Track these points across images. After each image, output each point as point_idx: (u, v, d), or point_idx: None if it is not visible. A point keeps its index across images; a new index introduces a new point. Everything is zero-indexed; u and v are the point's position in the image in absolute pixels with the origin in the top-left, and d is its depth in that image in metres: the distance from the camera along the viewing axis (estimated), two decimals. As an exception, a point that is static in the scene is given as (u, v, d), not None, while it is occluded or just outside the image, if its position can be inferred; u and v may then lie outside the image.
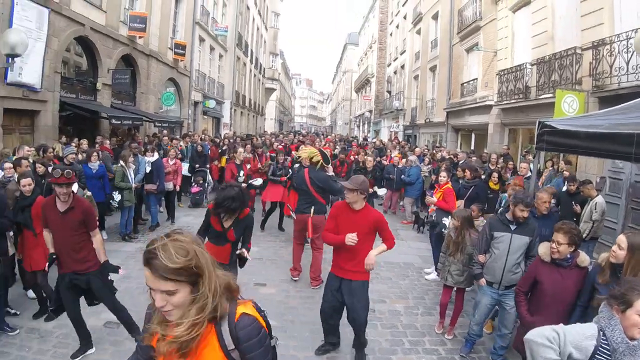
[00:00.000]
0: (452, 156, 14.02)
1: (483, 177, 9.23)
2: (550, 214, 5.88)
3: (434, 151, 15.95)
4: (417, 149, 15.76)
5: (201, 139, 15.12)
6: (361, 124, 52.81)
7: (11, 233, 5.22)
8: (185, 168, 11.90)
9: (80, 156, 8.92)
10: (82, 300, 4.59)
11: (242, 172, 10.16)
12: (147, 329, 1.69)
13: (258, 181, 10.40)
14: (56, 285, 4.56)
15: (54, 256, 4.38)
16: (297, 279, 7.18)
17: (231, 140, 16.25)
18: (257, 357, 1.68)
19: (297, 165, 9.20)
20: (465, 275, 5.34)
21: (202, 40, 24.29)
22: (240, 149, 11.01)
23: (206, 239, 4.82)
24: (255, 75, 40.73)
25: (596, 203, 7.05)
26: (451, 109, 20.79)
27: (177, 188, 10.58)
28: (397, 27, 35.24)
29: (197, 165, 12.62)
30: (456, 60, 20.83)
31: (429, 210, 7.88)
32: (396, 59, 35.07)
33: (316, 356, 4.90)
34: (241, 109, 34.86)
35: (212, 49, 26.70)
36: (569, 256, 3.70)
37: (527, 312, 3.95)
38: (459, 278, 5.34)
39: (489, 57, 16.88)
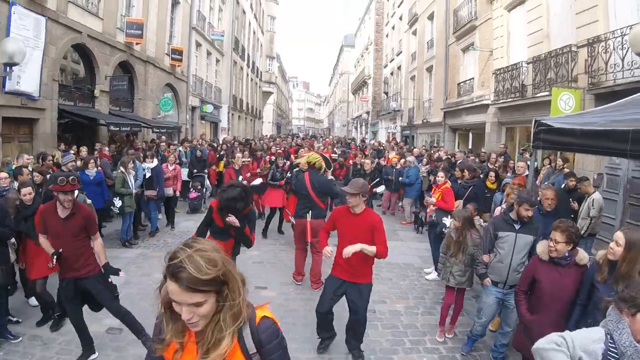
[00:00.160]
0: (449, 156, 14.06)
1: (481, 176, 9.25)
2: (554, 211, 5.89)
3: (432, 151, 15.97)
4: (415, 150, 15.79)
5: (199, 144, 15.15)
6: (359, 126, 52.90)
7: (12, 240, 5.23)
8: (184, 173, 11.92)
9: (79, 163, 8.94)
10: (86, 307, 4.61)
11: (240, 178, 10.18)
12: (160, 339, 1.67)
13: (258, 181, 10.42)
14: (58, 291, 4.58)
15: (58, 253, 4.32)
16: (300, 283, 7.20)
17: (229, 145, 16.27)
18: (278, 359, 1.70)
19: (295, 169, 9.20)
20: (467, 276, 5.35)
21: (198, 45, 24.34)
22: (239, 154, 11.03)
23: (208, 233, 4.92)
24: (252, 79, 40.79)
25: (593, 200, 7.08)
26: (448, 109, 20.85)
27: (177, 193, 10.59)
28: (393, 28, 35.32)
29: (195, 170, 12.65)
30: (452, 60, 20.88)
31: (428, 210, 7.90)
32: (392, 60, 35.13)
33: (318, 355, 4.95)
34: (239, 113, 34.92)
35: (209, 53, 26.78)
36: (567, 254, 3.68)
37: (526, 311, 3.93)
38: (461, 279, 5.33)
39: (485, 56, 16.93)
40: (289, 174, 9.89)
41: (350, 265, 4.55)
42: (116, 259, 7.52)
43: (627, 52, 8.86)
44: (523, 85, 13.48)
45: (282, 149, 15.89)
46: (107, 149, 11.72)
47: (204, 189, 12.54)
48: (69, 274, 4.39)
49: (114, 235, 9.19)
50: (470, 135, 20.18)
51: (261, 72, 45.68)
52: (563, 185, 7.81)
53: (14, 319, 5.33)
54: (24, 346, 4.84)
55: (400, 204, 12.98)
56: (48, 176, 7.62)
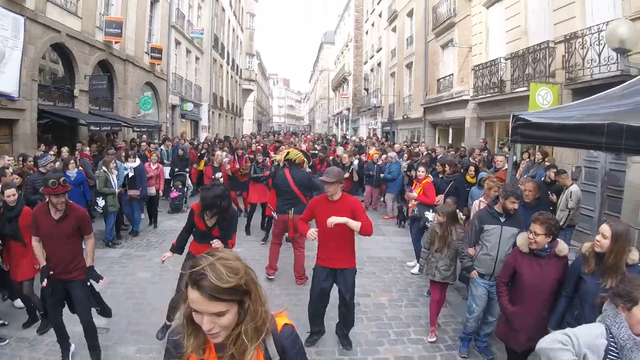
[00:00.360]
0: (430, 151, 14.21)
1: (462, 171, 9.36)
2: (536, 203, 6.02)
3: (412, 147, 16.12)
4: (396, 145, 15.94)
5: (182, 142, 15.05)
6: (340, 122, 52.92)
7: None
8: (166, 172, 11.85)
9: (58, 164, 8.80)
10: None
11: (219, 174, 10.21)
12: (180, 354, 1.63)
13: (219, 174, 10.39)
14: (41, 290, 4.54)
15: (50, 272, 4.28)
16: (272, 277, 7.22)
17: (210, 143, 16.20)
18: None
19: (275, 164, 9.19)
20: (452, 270, 5.41)
21: (178, 43, 24.15)
22: (218, 152, 10.99)
23: (191, 237, 4.90)
24: (232, 77, 40.56)
25: (571, 192, 7.25)
26: (428, 105, 21.06)
27: (160, 193, 10.53)
28: (373, 25, 35.45)
29: (176, 169, 12.58)
30: (432, 57, 21.08)
31: (410, 205, 7.99)
32: (372, 56, 35.30)
33: (306, 347, 4.99)
34: (219, 110, 34.74)
35: (188, 51, 26.58)
36: (547, 246, 3.75)
37: (508, 302, 4.00)
38: (446, 273, 5.34)
39: (464, 52, 17.14)
40: (272, 169, 9.85)
41: (333, 252, 4.72)
42: (100, 259, 7.45)
43: (603, 47, 9.02)
44: (502, 80, 13.68)
45: (262, 145, 15.92)
46: (87, 149, 11.57)
47: (185, 188, 12.49)
48: (59, 276, 4.33)
49: (97, 235, 9.05)
50: (450, 130, 20.42)
51: (241, 70, 45.40)
52: (543, 178, 7.98)
53: (0, 322, 5.27)
54: (11, 348, 4.79)
55: (382, 199, 13.12)
56: (27, 177, 7.58)
